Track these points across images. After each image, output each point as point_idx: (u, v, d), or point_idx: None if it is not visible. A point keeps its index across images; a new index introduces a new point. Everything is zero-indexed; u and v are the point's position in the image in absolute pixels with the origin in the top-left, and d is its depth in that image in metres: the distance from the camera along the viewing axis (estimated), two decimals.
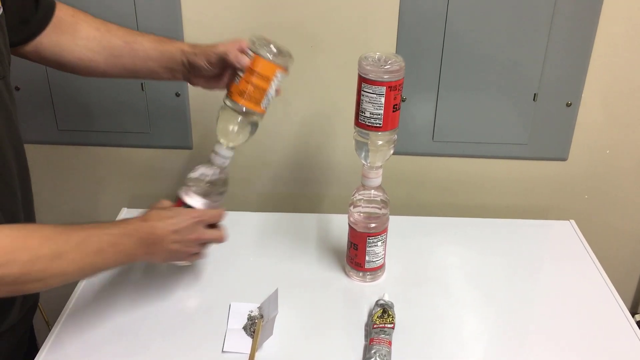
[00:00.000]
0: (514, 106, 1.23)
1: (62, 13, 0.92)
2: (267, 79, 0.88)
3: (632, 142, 1.28)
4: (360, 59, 0.88)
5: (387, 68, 0.86)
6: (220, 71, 0.91)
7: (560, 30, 1.15)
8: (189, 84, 0.96)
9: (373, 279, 1.04)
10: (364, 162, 0.95)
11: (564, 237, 1.19)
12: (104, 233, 0.78)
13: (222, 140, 0.92)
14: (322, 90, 1.24)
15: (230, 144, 0.92)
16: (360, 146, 0.93)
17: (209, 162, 0.94)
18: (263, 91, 0.88)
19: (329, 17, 1.17)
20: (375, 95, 0.86)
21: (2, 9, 0.79)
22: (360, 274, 1.03)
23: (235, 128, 0.91)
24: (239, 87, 0.89)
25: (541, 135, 1.26)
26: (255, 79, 0.88)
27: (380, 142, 0.91)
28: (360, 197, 0.99)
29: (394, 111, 0.88)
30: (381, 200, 0.99)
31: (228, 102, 0.90)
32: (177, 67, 0.93)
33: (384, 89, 0.86)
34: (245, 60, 0.87)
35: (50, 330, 0.93)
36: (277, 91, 0.92)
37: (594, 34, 1.16)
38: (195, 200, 0.91)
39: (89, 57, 0.92)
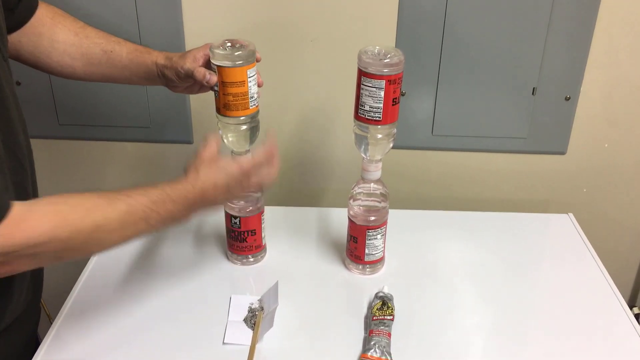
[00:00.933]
0: (513, 100, 1.24)
1: (42, 13, 0.91)
2: (242, 83, 0.88)
3: (630, 136, 1.28)
4: (360, 53, 0.88)
5: (387, 62, 0.86)
6: (194, 81, 0.91)
7: (559, 25, 1.16)
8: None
9: (372, 272, 1.05)
10: (363, 155, 0.96)
11: (562, 230, 1.20)
12: (149, 200, 0.75)
13: (235, 151, 0.95)
14: (322, 84, 1.25)
15: (243, 150, 0.95)
16: (360, 140, 0.94)
17: None
18: (244, 95, 0.89)
19: (328, 12, 1.17)
20: (374, 89, 0.87)
21: None
22: (360, 266, 1.04)
23: (238, 137, 0.93)
24: (221, 102, 0.90)
25: (540, 129, 1.27)
26: (230, 89, 0.87)
27: (379, 136, 0.92)
28: (360, 190, 0.99)
29: (393, 105, 0.89)
30: (381, 193, 0.99)
31: (220, 118, 0.92)
32: (154, 78, 0.93)
33: (383, 83, 0.86)
34: (212, 80, 0.87)
35: (51, 324, 0.94)
36: (259, 83, 0.92)
37: (593, 28, 1.16)
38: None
39: (67, 63, 0.92)
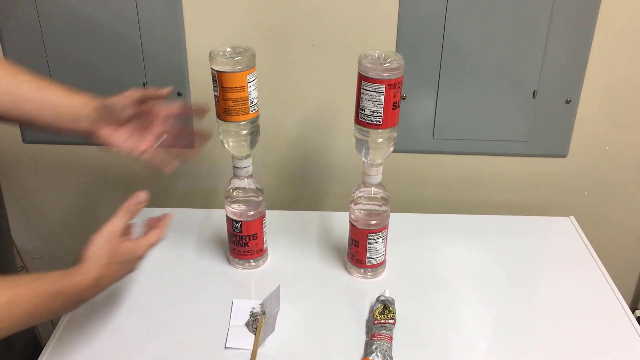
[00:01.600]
0: (513, 103, 1.24)
1: None
2: (242, 88, 0.88)
3: (631, 138, 1.28)
4: (360, 57, 0.88)
5: (387, 66, 0.86)
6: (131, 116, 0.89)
7: (559, 27, 1.16)
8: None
9: (374, 276, 1.05)
10: (364, 159, 0.96)
11: (564, 233, 1.19)
12: (32, 296, 0.71)
13: (235, 155, 0.96)
14: (323, 88, 1.25)
15: (243, 154, 0.95)
16: (361, 144, 0.94)
17: (235, 176, 0.99)
18: (244, 100, 0.89)
19: (329, 16, 1.17)
20: (374, 93, 0.87)
21: None
22: (362, 270, 1.04)
23: (238, 142, 0.94)
24: (221, 107, 0.90)
25: (541, 132, 1.27)
26: (230, 94, 0.88)
27: (380, 140, 0.92)
28: (361, 194, 0.99)
29: (393, 109, 0.89)
30: (382, 197, 0.99)
31: (220, 123, 0.92)
32: (82, 119, 0.88)
33: (383, 87, 0.86)
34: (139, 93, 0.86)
35: (54, 328, 0.94)
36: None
37: (593, 30, 1.16)
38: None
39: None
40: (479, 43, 1.18)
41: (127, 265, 0.82)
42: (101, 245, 0.79)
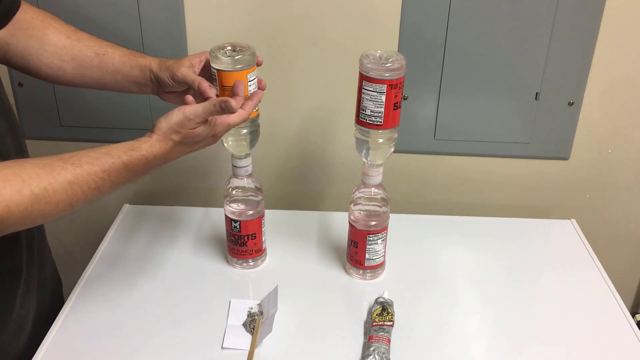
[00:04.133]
0: (515, 105, 1.23)
1: (31, 16, 0.89)
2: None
3: (634, 141, 1.27)
4: (362, 57, 0.88)
5: (388, 66, 0.86)
6: (187, 88, 0.89)
7: (562, 29, 1.15)
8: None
9: (373, 277, 1.04)
10: (364, 160, 0.95)
11: (565, 236, 1.19)
12: (101, 170, 0.73)
13: (234, 154, 0.95)
14: (324, 88, 1.24)
15: (243, 154, 0.95)
16: (361, 144, 0.93)
17: (234, 175, 0.98)
18: (244, 99, 0.88)
19: (331, 15, 1.17)
20: (376, 93, 0.87)
21: None
22: (361, 271, 1.04)
23: (238, 141, 0.93)
24: None
25: (543, 134, 1.26)
26: (230, 93, 0.87)
27: (380, 140, 0.92)
28: (361, 195, 0.99)
29: (394, 109, 0.88)
30: (381, 198, 0.99)
31: None
32: (145, 82, 0.91)
33: (384, 87, 0.86)
34: (212, 93, 0.84)
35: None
36: (260, 85, 0.90)
37: (597, 32, 1.16)
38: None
39: (57, 65, 0.90)
40: (481, 44, 1.17)
41: (200, 144, 0.83)
42: (173, 125, 0.79)
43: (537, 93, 1.22)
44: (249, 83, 0.88)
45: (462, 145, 1.29)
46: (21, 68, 0.91)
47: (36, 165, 0.69)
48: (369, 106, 0.88)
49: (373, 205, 0.99)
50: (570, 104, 1.23)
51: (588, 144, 1.28)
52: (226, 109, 0.80)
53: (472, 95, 1.23)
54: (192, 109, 0.80)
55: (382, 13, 1.16)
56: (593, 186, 1.33)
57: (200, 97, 0.85)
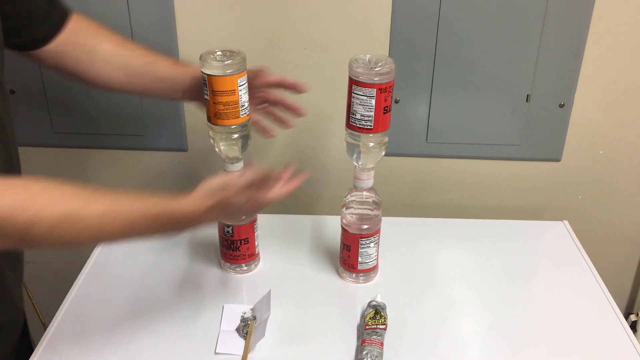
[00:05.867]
0: (507, 107, 1.24)
1: (82, 25, 0.92)
2: (232, 92, 0.87)
3: (625, 142, 1.28)
4: (351, 62, 0.88)
5: (377, 70, 0.86)
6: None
7: (552, 31, 1.16)
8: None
9: (366, 280, 1.04)
10: (355, 164, 0.95)
11: (557, 237, 1.19)
12: (140, 211, 0.73)
13: (226, 159, 0.95)
14: (315, 92, 1.24)
15: (234, 158, 0.95)
16: (352, 148, 0.94)
17: None
18: (235, 103, 0.88)
19: (322, 19, 1.17)
20: (365, 97, 0.87)
21: None
22: (354, 275, 1.04)
23: (229, 146, 0.93)
24: (211, 111, 0.89)
25: (534, 136, 1.27)
26: (220, 98, 0.87)
27: (371, 144, 0.92)
28: (353, 198, 0.99)
29: (384, 113, 0.88)
30: (373, 201, 0.99)
31: (211, 127, 0.92)
32: (191, 90, 0.94)
33: (374, 91, 0.86)
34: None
35: (45, 330, 0.94)
36: (296, 85, 0.93)
37: (586, 34, 1.16)
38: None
39: (107, 73, 0.93)
40: (472, 47, 1.18)
41: (234, 216, 0.84)
42: (211, 188, 0.78)
43: (528, 95, 1.22)
44: (240, 88, 0.88)
45: (454, 148, 1.29)
46: (72, 75, 0.93)
47: (77, 187, 0.70)
48: (359, 110, 0.88)
49: (365, 209, 0.99)
50: (561, 106, 1.23)
51: (580, 145, 1.28)
52: (266, 185, 0.80)
53: (464, 97, 1.23)
54: (234, 177, 0.79)
55: (372, 16, 1.16)
56: (585, 187, 1.34)
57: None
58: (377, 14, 1.16)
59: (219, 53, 0.88)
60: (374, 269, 1.04)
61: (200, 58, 0.87)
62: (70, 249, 0.73)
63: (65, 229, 0.68)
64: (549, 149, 1.29)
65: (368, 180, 0.96)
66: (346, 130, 0.93)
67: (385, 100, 0.87)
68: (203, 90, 0.89)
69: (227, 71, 0.86)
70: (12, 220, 0.64)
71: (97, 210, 0.70)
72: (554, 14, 1.14)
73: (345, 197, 1.00)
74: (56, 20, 0.89)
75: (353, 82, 0.87)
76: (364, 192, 0.98)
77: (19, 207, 0.65)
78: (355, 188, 0.98)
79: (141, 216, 0.74)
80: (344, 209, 1.00)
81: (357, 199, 0.99)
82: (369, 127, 0.89)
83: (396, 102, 1.23)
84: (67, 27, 0.90)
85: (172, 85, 0.95)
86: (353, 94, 0.88)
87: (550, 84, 1.21)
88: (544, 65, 1.19)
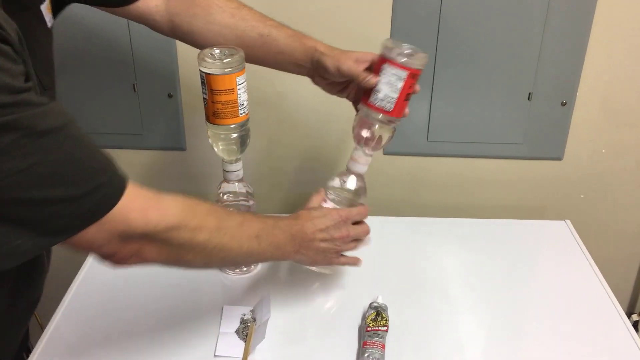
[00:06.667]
0: (508, 105, 1.23)
1: None
2: (231, 91, 0.86)
3: (627, 141, 1.27)
4: (387, 41, 0.86)
5: (413, 55, 0.85)
6: (346, 82, 0.91)
7: (554, 29, 1.15)
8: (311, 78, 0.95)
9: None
10: (357, 145, 0.92)
11: (559, 237, 1.18)
12: (260, 221, 0.80)
13: (225, 158, 0.94)
14: (316, 90, 1.23)
15: (233, 158, 0.94)
16: (363, 128, 0.90)
17: (225, 180, 0.98)
18: (234, 103, 0.87)
19: (321, 16, 1.16)
20: (395, 79, 0.85)
21: (53, 19, 0.78)
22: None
23: (228, 146, 0.92)
24: (210, 110, 0.88)
25: (536, 135, 1.26)
26: (219, 97, 0.86)
27: (382, 126, 0.89)
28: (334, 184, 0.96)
29: (405, 100, 0.87)
30: (357, 192, 0.96)
31: (209, 126, 0.91)
32: (306, 64, 0.92)
33: (405, 74, 0.84)
34: (373, 82, 0.86)
35: (42, 331, 0.93)
36: (413, 88, 0.88)
37: (589, 32, 1.15)
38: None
39: (221, 44, 0.91)
40: (473, 44, 1.17)
41: (334, 228, 0.87)
42: (330, 216, 0.88)
43: (529, 93, 1.21)
44: (238, 87, 0.87)
45: (455, 147, 1.28)
46: (190, 43, 0.93)
47: (210, 204, 0.75)
48: (384, 89, 0.86)
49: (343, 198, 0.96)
50: (563, 104, 1.22)
51: (581, 144, 1.27)
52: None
53: (465, 96, 1.22)
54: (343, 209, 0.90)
55: (373, 15, 1.15)
56: (587, 186, 1.33)
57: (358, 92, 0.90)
58: (378, 11, 1.15)
59: (217, 51, 0.87)
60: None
61: (198, 56, 0.86)
62: (182, 264, 0.76)
63: (221, 237, 0.73)
64: (551, 148, 1.28)
65: (364, 165, 0.93)
66: (361, 108, 0.90)
67: (410, 87, 0.86)
68: (321, 67, 0.89)
69: (226, 70, 0.85)
70: (185, 225, 0.68)
71: (235, 220, 0.77)
72: (556, 11, 1.13)
73: (333, 181, 0.96)
74: None
75: (387, 61, 0.85)
76: (354, 180, 0.94)
77: (189, 215, 0.69)
78: (348, 171, 0.94)
79: (265, 227, 0.81)
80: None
81: (345, 184, 0.95)
82: (388, 108, 0.87)
83: None
84: None
85: (288, 57, 0.92)
86: (383, 73, 0.85)
87: (552, 82, 1.20)
88: (546, 63, 1.18)
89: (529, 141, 1.26)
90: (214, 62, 0.84)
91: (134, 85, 1.22)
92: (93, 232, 0.61)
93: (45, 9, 0.76)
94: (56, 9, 0.81)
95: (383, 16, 1.15)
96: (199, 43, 0.92)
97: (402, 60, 0.84)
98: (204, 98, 0.88)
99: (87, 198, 0.59)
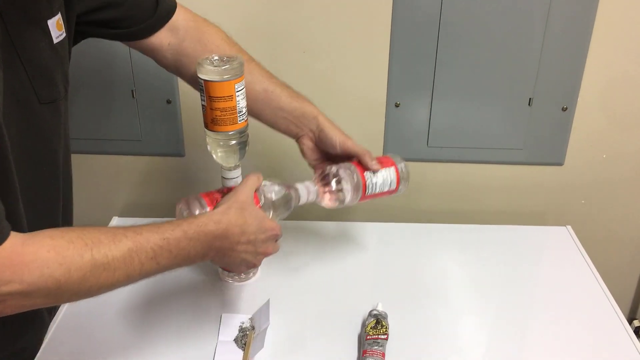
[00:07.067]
0: (509, 111, 1.22)
1: (207, 38, 0.92)
2: (230, 97, 0.85)
3: (628, 146, 1.26)
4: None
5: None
6: (331, 155, 0.95)
7: (555, 34, 1.14)
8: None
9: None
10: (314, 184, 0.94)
11: (560, 243, 1.18)
12: (161, 237, 0.71)
13: (224, 165, 0.93)
14: (314, 96, 1.22)
15: (232, 165, 0.93)
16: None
17: (224, 187, 0.96)
18: (232, 109, 0.86)
19: (321, 22, 1.15)
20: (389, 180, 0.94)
21: (64, 34, 0.78)
22: None
23: (227, 153, 0.91)
24: (208, 117, 0.87)
25: (537, 140, 1.25)
26: (217, 104, 0.85)
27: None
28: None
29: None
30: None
31: (208, 133, 0.90)
32: (300, 126, 0.95)
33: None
34: (377, 168, 0.91)
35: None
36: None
37: (590, 37, 1.15)
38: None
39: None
40: (473, 49, 1.16)
41: (261, 237, 0.81)
42: (240, 199, 0.80)
43: (530, 99, 1.20)
44: (237, 94, 0.86)
45: (455, 152, 1.27)
46: (192, 85, 0.94)
47: (100, 231, 0.68)
48: (379, 181, 0.94)
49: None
50: (564, 109, 1.22)
51: (582, 149, 1.27)
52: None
53: (465, 101, 1.21)
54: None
55: (372, 20, 1.15)
56: (588, 191, 1.32)
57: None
58: (378, 16, 1.14)
59: (215, 58, 0.86)
60: None
61: (197, 63, 0.86)
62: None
63: (97, 274, 0.66)
64: (552, 153, 1.27)
65: (307, 196, 0.94)
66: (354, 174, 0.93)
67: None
68: (323, 139, 0.93)
69: (224, 76, 0.84)
70: (49, 276, 0.62)
71: (125, 246, 0.68)
72: (556, 16, 1.12)
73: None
74: (163, 12, 0.89)
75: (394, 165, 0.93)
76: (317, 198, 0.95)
77: (53, 262, 0.63)
78: (295, 188, 0.94)
79: (170, 238, 0.71)
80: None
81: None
82: (371, 192, 0.93)
83: (397, 105, 1.21)
84: (190, 39, 0.91)
85: (286, 115, 0.95)
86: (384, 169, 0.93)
87: (552, 87, 1.19)
88: (547, 68, 1.17)
89: (530, 147, 1.26)
90: (212, 69, 0.84)
91: (132, 91, 1.22)
92: None
93: (54, 24, 0.75)
94: (75, 40, 0.83)
95: (383, 21, 1.15)
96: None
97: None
98: (202, 105, 0.88)
99: None
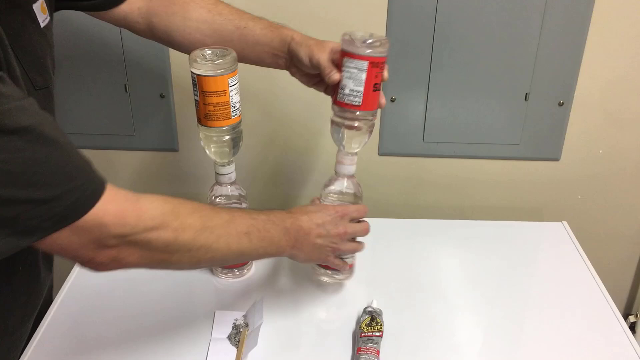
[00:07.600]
0: (505, 106, 1.21)
1: None
2: (223, 92, 0.84)
3: (625, 141, 1.26)
4: (344, 35, 0.83)
5: (371, 42, 0.82)
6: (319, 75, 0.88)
7: (551, 29, 1.13)
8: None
9: (346, 278, 1.00)
10: (340, 147, 0.90)
11: (556, 238, 1.17)
12: (250, 217, 0.78)
13: (218, 161, 0.93)
14: (310, 91, 1.22)
15: (226, 160, 0.92)
16: (337, 128, 0.87)
17: (217, 183, 0.96)
18: (226, 104, 0.85)
19: (315, 16, 1.14)
20: (356, 71, 0.82)
21: (49, 17, 0.77)
22: (330, 272, 0.98)
23: (221, 148, 0.91)
24: (201, 112, 0.86)
25: (533, 135, 1.24)
26: (211, 99, 0.84)
27: (356, 123, 0.86)
28: (333, 187, 0.94)
29: (374, 90, 0.83)
30: (354, 194, 0.94)
31: (201, 128, 0.89)
32: (283, 55, 0.89)
33: (366, 64, 0.80)
34: (335, 78, 0.83)
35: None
36: (380, 77, 0.84)
37: (586, 32, 1.14)
38: None
39: (198, 40, 0.90)
40: (470, 44, 1.15)
41: (331, 224, 0.85)
42: (326, 211, 0.86)
43: (526, 94, 1.20)
44: (230, 88, 0.85)
45: (451, 148, 1.27)
46: (166, 43, 0.94)
47: (193, 202, 0.73)
48: (349, 84, 0.83)
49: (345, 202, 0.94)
50: (561, 105, 1.21)
51: (579, 144, 1.26)
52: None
53: (461, 96, 1.20)
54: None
55: (368, 13, 1.14)
56: (584, 187, 1.32)
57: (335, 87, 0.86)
58: (373, 10, 1.13)
59: (208, 52, 0.85)
60: (351, 267, 0.99)
61: (189, 57, 0.84)
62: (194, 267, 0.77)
63: (206, 237, 0.71)
64: (548, 148, 1.26)
65: (351, 165, 0.90)
66: (333, 108, 0.87)
67: (376, 76, 0.83)
68: (294, 57, 0.86)
69: (218, 71, 0.83)
70: (166, 226, 0.66)
71: (223, 218, 0.74)
72: (553, 11, 1.12)
73: (326, 187, 0.94)
74: None
75: (345, 55, 0.82)
76: (345, 182, 0.93)
77: (169, 215, 0.67)
78: (337, 174, 0.92)
79: (257, 219, 0.78)
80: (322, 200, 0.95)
81: (336, 189, 0.93)
82: (357, 103, 0.84)
83: (392, 100, 1.20)
84: None
85: (264, 47, 0.90)
86: (344, 69, 0.82)
87: (549, 82, 1.19)
88: (543, 63, 1.16)
89: (526, 142, 1.25)
90: (205, 63, 0.83)
91: (125, 85, 1.20)
92: (66, 235, 0.59)
93: (39, 8, 0.74)
94: (50, 11, 0.80)
95: (378, 15, 1.14)
96: (177, 41, 0.91)
97: (360, 51, 0.81)
98: (195, 100, 0.86)
99: (58, 201, 0.57)
